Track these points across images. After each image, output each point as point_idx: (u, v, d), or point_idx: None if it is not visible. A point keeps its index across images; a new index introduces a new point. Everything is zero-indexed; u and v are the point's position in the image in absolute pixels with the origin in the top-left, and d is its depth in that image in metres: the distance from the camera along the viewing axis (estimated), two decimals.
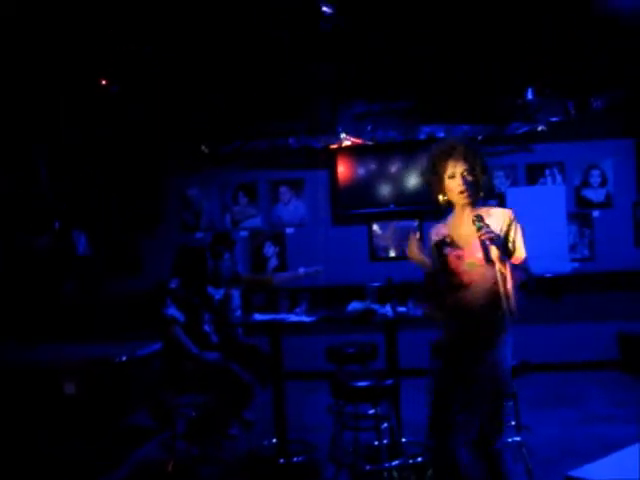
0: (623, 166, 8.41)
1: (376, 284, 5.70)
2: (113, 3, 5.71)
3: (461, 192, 3.52)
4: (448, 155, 3.55)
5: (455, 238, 3.58)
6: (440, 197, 3.62)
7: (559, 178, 8.45)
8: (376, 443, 4.93)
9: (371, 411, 4.88)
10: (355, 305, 5.31)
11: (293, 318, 5.41)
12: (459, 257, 3.53)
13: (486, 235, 3.32)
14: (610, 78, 7.55)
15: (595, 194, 8.48)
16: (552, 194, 8.23)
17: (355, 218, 8.67)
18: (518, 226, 3.52)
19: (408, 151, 8.52)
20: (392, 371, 5.16)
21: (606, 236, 8.40)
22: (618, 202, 8.44)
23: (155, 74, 7.08)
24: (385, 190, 8.59)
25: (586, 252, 8.40)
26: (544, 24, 6.37)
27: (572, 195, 8.43)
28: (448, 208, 3.69)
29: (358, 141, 8.45)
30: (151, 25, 6.16)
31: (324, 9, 5.87)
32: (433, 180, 3.62)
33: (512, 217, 3.51)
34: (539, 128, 8.09)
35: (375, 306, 5.28)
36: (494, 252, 3.34)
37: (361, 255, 8.70)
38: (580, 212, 8.43)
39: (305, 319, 5.36)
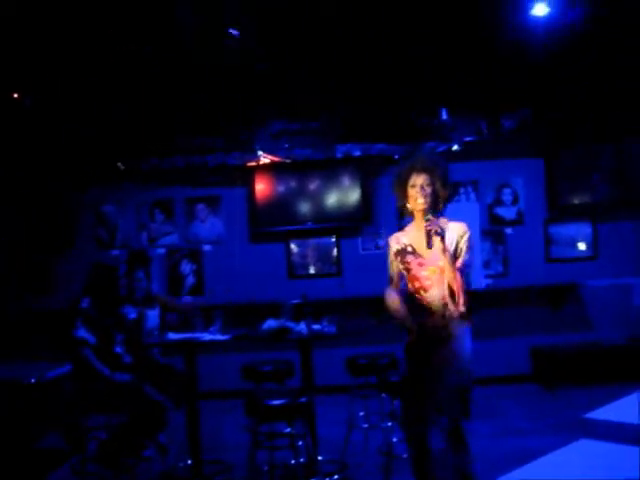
0: (534, 184, 8.66)
1: (293, 301, 5.68)
2: (27, 14, 5.58)
3: (419, 200, 3.89)
4: (412, 167, 3.95)
5: (416, 247, 3.97)
6: (405, 205, 4.01)
7: (473, 196, 8.63)
8: (292, 462, 4.90)
9: (287, 429, 4.84)
10: (270, 323, 5.28)
11: (207, 337, 5.34)
12: (421, 264, 3.95)
13: (431, 227, 3.76)
14: (519, 99, 7.77)
15: (507, 212, 8.69)
16: (466, 211, 8.38)
17: (273, 235, 8.65)
18: (467, 237, 3.93)
19: (326, 169, 8.57)
20: (307, 389, 5.13)
21: (519, 252, 8.62)
22: (529, 219, 8.67)
23: (70, 87, 6.94)
24: (303, 208, 8.61)
25: (500, 268, 8.59)
26: (456, 47, 6.51)
27: (485, 213, 8.62)
28: (406, 218, 4.14)
29: (275, 159, 8.46)
30: (66, 37, 6.04)
31: (231, 31, 5.88)
32: (399, 189, 4.00)
33: (465, 230, 3.94)
34: (454, 147, 8.26)
35: (290, 324, 5.26)
36: (437, 244, 3.78)
37: (279, 272, 8.68)
38: (493, 229, 8.62)
39: (219, 338, 5.30)
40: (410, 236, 4.05)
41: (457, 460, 3.85)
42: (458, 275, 3.83)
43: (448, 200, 4.02)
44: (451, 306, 3.90)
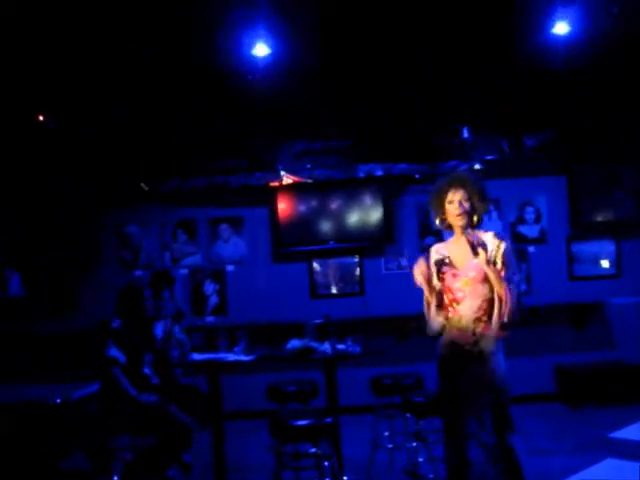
0: (556, 202, 8.63)
1: (316, 321, 5.70)
2: (50, 34, 5.69)
3: (457, 215, 4.00)
4: (450, 184, 4.06)
5: (452, 258, 4.06)
6: (437, 220, 4.15)
7: (495, 214, 8.61)
8: None
9: (312, 450, 4.84)
10: (294, 343, 5.30)
11: (232, 357, 5.37)
12: (454, 275, 4.02)
13: (473, 238, 3.87)
14: (541, 118, 7.78)
15: (530, 230, 8.66)
16: (489, 230, 8.37)
17: (295, 255, 8.67)
18: (504, 246, 3.97)
19: (347, 188, 8.59)
20: (332, 409, 5.14)
21: (542, 270, 8.58)
22: (552, 237, 8.64)
23: (95, 109, 7.04)
24: (325, 227, 8.63)
25: (523, 286, 8.55)
26: (479, 66, 6.55)
27: (508, 231, 8.59)
28: (447, 231, 4.23)
29: (298, 179, 8.50)
30: (92, 60, 6.14)
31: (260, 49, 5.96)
32: (435, 205, 4.12)
33: (499, 239, 3.98)
34: (475, 166, 8.26)
35: (314, 344, 5.28)
36: (481, 255, 3.81)
37: (302, 292, 8.69)
38: (516, 247, 8.57)
39: (244, 358, 5.33)
40: (450, 249, 4.13)
41: (499, 475, 3.87)
42: (506, 286, 3.86)
43: (485, 214, 4.13)
44: (483, 323, 3.94)
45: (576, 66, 6.58)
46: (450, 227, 4.14)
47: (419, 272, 4.00)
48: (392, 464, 5.96)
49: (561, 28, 6.12)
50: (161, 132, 7.74)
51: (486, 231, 4.06)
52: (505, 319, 3.88)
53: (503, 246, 3.97)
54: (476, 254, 3.84)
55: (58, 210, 8.40)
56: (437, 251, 4.18)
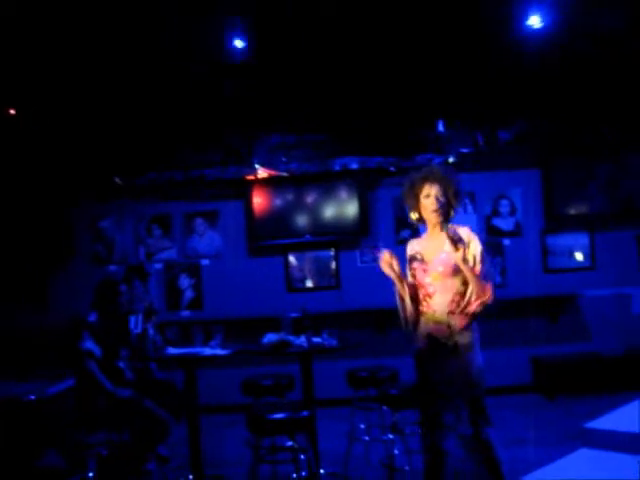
0: (531, 195, 8.67)
1: (292, 315, 5.68)
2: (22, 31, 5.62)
3: (434, 210, 4.01)
4: (425, 178, 4.06)
5: (423, 253, 4.09)
6: (412, 215, 4.15)
7: (470, 208, 8.64)
8: (294, 476, 4.88)
9: (288, 443, 4.83)
10: (270, 337, 5.28)
11: (207, 351, 5.34)
12: (424, 270, 4.04)
13: (453, 234, 3.85)
14: (516, 111, 7.81)
15: (505, 223, 8.71)
16: (464, 223, 8.39)
17: (271, 249, 8.66)
18: (477, 243, 3.99)
19: (323, 182, 8.57)
20: (308, 402, 5.13)
21: (516, 263, 8.63)
22: (527, 230, 8.68)
23: (68, 102, 6.97)
24: (301, 221, 8.61)
25: (498, 279, 8.60)
26: (452, 59, 6.55)
27: (483, 224, 8.63)
28: (419, 226, 4.24)
29: (273, 172, 8.47)
30: (63, 50, 6.07)
31: (235, 43, 5.92)
32: (410, 199, 4.12)
33: (472, 236, 3.99)
34: (450, 159, 8.28)
35: (290, 337, 5.26)
36: (461, 252, 3.82)
37: (277, 286, 8.67)
38: (491, 240, 8.62)
39: (220, 352, 5.30)
40: (422, 244, 4.15)
41: (477, 467, 3.90)
42: (480, 282, 3.90)
43: (458, 208, 4.15)
44: (456, 316, 3.96)
45: (550, 59, 6.62)
46: (424, 221, 4.15)
47: (386, 265, 4.00)
48: (369, 457, 5.97)
49: (535, 21, 6.15)
50: (135, 126, 7.68)
51: (459, 225, 4.07)
52: (465, 320, 3.94)
53: (478, 242, 3.99)
54: (457, 250, 3.84)
55: (29, 204, 8.30)
56: (411, 246, 4.20)
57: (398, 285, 4.06)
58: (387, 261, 3.99)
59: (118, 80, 6.69)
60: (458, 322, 3.96)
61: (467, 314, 3.95)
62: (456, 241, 3.83)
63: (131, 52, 6.23)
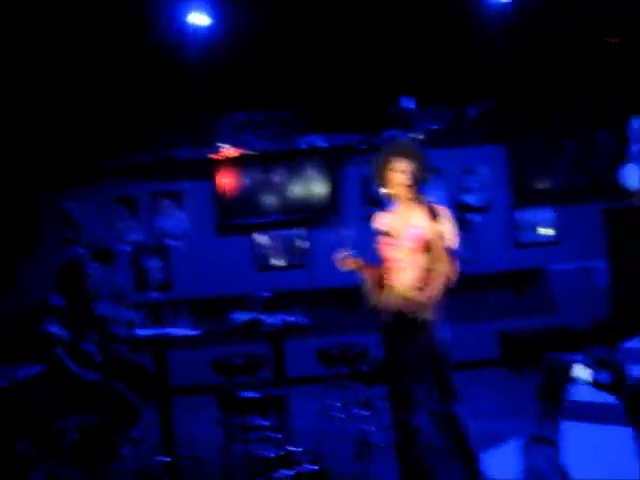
0: (499, 171, 8.71)
1: (263, 294, 5.67)
2: None
3: (407, 185, 4.03)
4: (396, 153, 4.07)
5: (392, 228, 4.10)
6: (383, 189, 4.14)
7: (439, 184, 8.65)
8: (267, 454, 4.89)
9: (261, 422, 4.83)
10: (240, 316, 5.26)
11: (177, 332, 5.30)
12: (392, 245, 4.06)
13: (431, 207, 3.94)
14: (484, 88, 7.83)
15: (474, 199, 8.74)
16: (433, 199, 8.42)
17: (239, 228, 8.61)
18: (450, 220, 4.06)
19: (290, 160, 8.53)
20: (280, 380, 5.13)
21: (486, 239, 8.67)
22: (495, 206, 8.73)
23: (29, 86, 6.84)
24: (269, 200, 8.57)
25: (467, 254, 8.64)
26: (421, 36, 6.54)
27: (452, 200, 8.65)
28: (385, 203, 4.26)
29: (240, 151, 8.41)
30: (25, 36, 5.96)
31: (200, 21, 5.83)
32: (380, 174, 4.10)
33: (445, 212, 4.02)
34: (418, 136, 8.27)
35: (262, 316, 5.25)
36: (439, 226, 3.90)
37: (247, 265, 8.63)
38: (460, 216, 8.66)
39: (189, 332, 5.27)
40: (390, 218, 4.16)
41: (447, 442, 3.92)
42: (449, 259, 3.95)
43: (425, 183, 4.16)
44: (423, 292, 3.98)
45: (519, 35, 6.63)
46: (393, 196, 4.15)
47: (349, 267, 4.10)
48: (342, 434, 5.99)
49: None
50: (102, 108, 7.57)
51: (432, 201, 4.09)
52: (429, 294, 3.96)
53: (451, 219, 4.05)
54: (436, 222, 3.91)
55: None
56: (377, 220, 4.22)
57: (366, 274, 4.12)
58: (349, 263, 4.11)
59: (83, 62, 6.59)
60: (425, 298, 3.97)
61: (434, 290, 3.96)
62: (435, 215, 3.89)
63: (96, 34, 6.13)
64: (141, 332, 5.47)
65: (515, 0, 6.15)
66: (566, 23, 6.50)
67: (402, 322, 4.01)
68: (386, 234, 4.09)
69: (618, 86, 7.53)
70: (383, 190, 4.17)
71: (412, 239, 3.99)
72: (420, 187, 4.09)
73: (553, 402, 1.99)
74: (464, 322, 8.29)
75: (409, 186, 4.03)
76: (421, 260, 3.99)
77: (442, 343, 3.98)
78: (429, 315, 3.97)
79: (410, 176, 4.03)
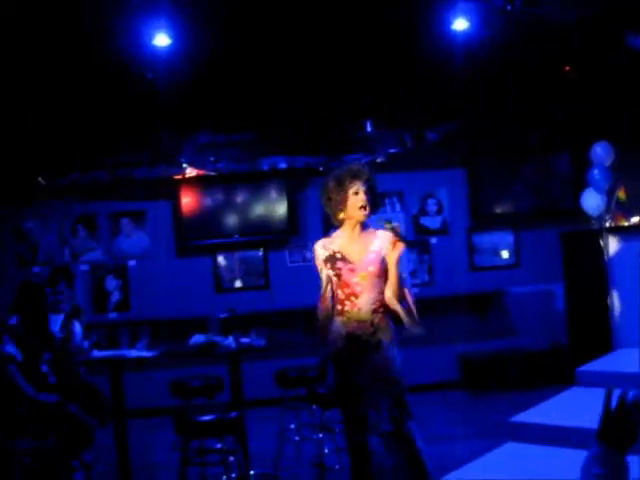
0: (457, 194, 8.82)
1: (220, 315, 5.65)
2: None
3: (364, 207, 3.97)
4: (355, 176, 4.01)
5: (346, 253, 4.01)
6: (341, 214, 4.04)
7: (398, 207, 8.73)
8: (224, 477, 4.85)
9: (217, 445, 4.80)
10: (198, 338, 5.24)
11: (133, 353, 5.28)
12: (352, 270, 3.98)
13: (400, 235, 3.92)
14: (443, 112, 7.91)
15: (432, 222, 8.83)
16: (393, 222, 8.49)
17: (200, 249, 8.57)
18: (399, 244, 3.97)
19: (252, 182, 8.55)
20: (237, 403, 5.10)
21: (443, 261, 8.75)
22: (453, 229, 8.83)
23: None
24: (230, 221, 8.57)
25: (425, 277, 8.71)
26: (380, 61, 6.60)
27: (411, 223, 8.73)
28: (331, 228, 4.19)
29: (202, 172, 8.39)
30: None
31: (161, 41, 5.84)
32: (337, 196, 4.02)
33: (392, 239, 3.94)
34: (378, 159, 8.35)
35: (218, 338, 5.23)
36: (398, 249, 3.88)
37: (206, 286, 8.59)
38: (419, 239, 8.73)
39: (146, 354, 5.24)
40: (339, 243, 4.08)
41: (399, 463, 3.92)
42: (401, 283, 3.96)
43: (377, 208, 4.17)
44: (379, 314, 3.97)
45: (476, 61, 6.71)
46: (343, 222, 4.07)
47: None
48: (299, 456, 5.97)
49: (460, 24, 6.22)
50: (59, 125, 7.49)
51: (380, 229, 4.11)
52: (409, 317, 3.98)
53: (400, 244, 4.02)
54: (393, 249, 3.89)
55: None
56: (324, 247, 4.09)
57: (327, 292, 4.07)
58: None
59: (42, 78, 6.53)
60: (380, 319, 3.98)
61: (386, 312, 3.99)
62: (397, 240, 3.88)
63: (56, 49, 6.08)
64: (97, 353, 5.41)
65: (476, 29, 6.23)
66: (525, 51, 6.61)
67: (357, 344, 3.98)
68: (339, 259, 4.01)
69: (575, 112, 7.67)
70: (339, 214, 4.06)
71: (372, 263, 3.97)
72: (372, 210, 4.07)
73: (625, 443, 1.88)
74: (423, 345, 8.32)
75: (365, 208, 4.00)
76: (379, 283, 3.98)
77: (397, 362, 3.99)
78: (385, 336, 3.97)
79: (366, 198, 4.00)
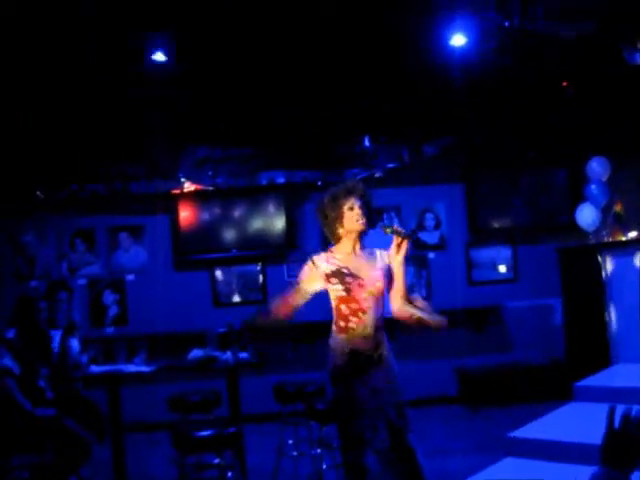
0: (455, 209, 8.83)
1: (218, 330, 5.64)
2: None
3: (362, 222, 3.97)
4: (350, 192, 4.02)
5: (353, 268, 3.98)
6: (340, 229, 4.03)
7: (396, 221, 8.73)
8: None
9: (215, 460, 4.78)
10: (196, 352, 5.24)
11: (131, 368, 5.27)
12: (361, 286, 3.95)
13: (403, 233, 3.94)
14: (440, 127, 7.94)
15: (430, 236, 8.83)
16: (389, 237, 8.48)
17: (198, 263, 8.57)
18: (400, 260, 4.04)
19: (250, 196, 8.56)
20: (235, 418, 5.09)
21: (441, 276, 8.76)
22: (451, 244, 8.83)
23: None
24: (228, 235, 8.57)
25: (424, 292, 8.71)
26: (378, 76, 6.63)
27: None
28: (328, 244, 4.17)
29: (200, 186, 8.41)
30: None
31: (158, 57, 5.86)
32: (333, 212, 4.03)
33: (396, 242, 3.98)
34: (376, 174, 8.37)
35: (216, 353, 5.22)
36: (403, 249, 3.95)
37: (204, 301, 8.58)
38: (416, 254, 8.74)
39: (144, 369, 5.24)
40: (341, 259, 4.04)
41: (400, 477, 3.91)
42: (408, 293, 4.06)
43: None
44: (381, 329, 4.01)
45: (474, 76, 6.75)
46: (341, 238, 4.06)
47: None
48: (297, 472, 5.94)
49: (458, 40, 6.25)
50: (58, 139, 7.50)
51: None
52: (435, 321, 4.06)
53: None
54: (395, 262, 3.96)
55: None
56: (327, 261, 4.04)
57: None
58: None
59: (41, 93, 6.54)
60: (381, 334, 4.01)
61: (384, 326, 4.04)
62: (401, 239, 3.93)
63: (54, 64, 6.10)
64: (95, 368, 5.40)
65: (474, 44, 6.26)
66: (523, 67, 6.64)
67: (360, 360, 3.97)
68: (346, 274, 3.96)
69: (573, 127, 7.69)
70: (339, 230, 4.04)
71: (380, 279, 3.98)
72: (369, 226, 4.07)
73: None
74: (421, 359, 8.35)
75: (364, 224, 4.00)
76: (382, 300, 4.00)
77: (397, 374, 4.03)
78: (385, 350, 4.00)
79: (361, 213, 3.99)
